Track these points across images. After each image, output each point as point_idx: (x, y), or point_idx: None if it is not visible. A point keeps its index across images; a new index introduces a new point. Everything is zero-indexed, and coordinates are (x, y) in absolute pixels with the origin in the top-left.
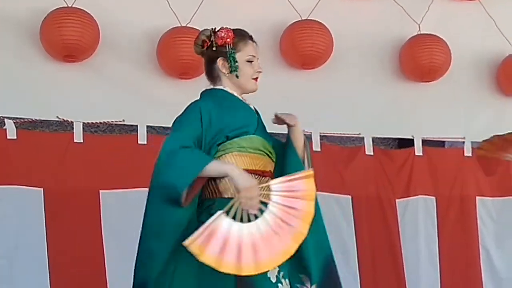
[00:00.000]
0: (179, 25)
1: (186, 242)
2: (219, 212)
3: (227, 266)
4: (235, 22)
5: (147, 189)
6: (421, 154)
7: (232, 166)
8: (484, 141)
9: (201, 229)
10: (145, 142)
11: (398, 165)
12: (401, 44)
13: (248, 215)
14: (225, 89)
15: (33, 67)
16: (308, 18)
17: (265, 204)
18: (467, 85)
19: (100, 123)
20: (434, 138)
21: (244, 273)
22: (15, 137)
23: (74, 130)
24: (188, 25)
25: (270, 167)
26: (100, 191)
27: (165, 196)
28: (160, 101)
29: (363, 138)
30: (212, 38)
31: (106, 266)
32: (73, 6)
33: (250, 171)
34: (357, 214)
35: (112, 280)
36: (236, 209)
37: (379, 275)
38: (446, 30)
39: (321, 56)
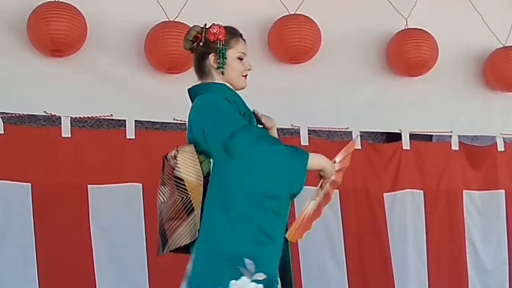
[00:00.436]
0: (167, 19)
1: (287, 236)
2: (309, 200)
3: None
4: (222, 16)
5: (135, 183)
6: (408, 148)
7: (322, 159)
8: None
9: (298, 220)
10: (133, 137)
11: (385, 159)
12: (389, 39)
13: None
14: (227, 85)
15: (20, 61)
16: (296, 13)
17: None
18: (454, 80)
19: (88, 117)
20: (421, 132)
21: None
22: (3, 132)
23: (62, 125)
24: (176, 20)
25: None
26: (88, 186)
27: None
28: (148, 96)
29: (351, 132)
30: (204, 34)
31: (94, 260)
32: (61, 0)
33: None
34: (345, 207)
35: (100, 273)
36: (322, 192)
37: (367, 268)
38: (434, 25)
39: (309, 50)
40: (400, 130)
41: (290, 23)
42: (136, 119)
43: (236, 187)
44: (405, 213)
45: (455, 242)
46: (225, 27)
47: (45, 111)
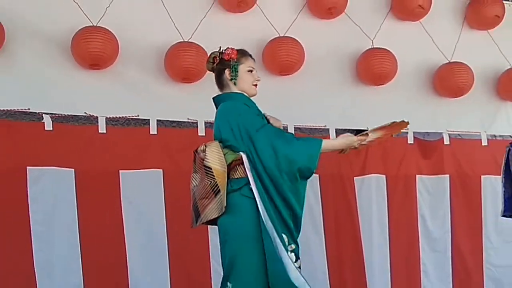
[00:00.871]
0: (182, 40)
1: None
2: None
3: None
4: (227, 38)
5: (157, 169)
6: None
7: (339, 141)
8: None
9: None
10: (156, 133)
11: (356, 150)
12: (358, 56)
13: None
14: (244, 94)
15: (65, 73)
16: (285, 35)
17: None
18: (410, 89)
19: (119, 117)
20: None
21: None
22: (51, 129)
23: (99, 123)
24: (189, 40)
25: None
26: (120, 171)
27: (306, 175)
28: (167, 100)
29: (328, 129)
30: (220, 55)
31: (124, 229)
32: (98, 25)
33: None
34: (323, 189)
35: (129, 240)
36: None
37: (341, 238)
38: (394, 45)
39: (295, 65)
40: (367, 127)
41: (280, 43)
42: (158, 118)
43: (263, 172)
44: (371, 193)
45: (409, 217)
46: (237, 49)
47: (85, 112)
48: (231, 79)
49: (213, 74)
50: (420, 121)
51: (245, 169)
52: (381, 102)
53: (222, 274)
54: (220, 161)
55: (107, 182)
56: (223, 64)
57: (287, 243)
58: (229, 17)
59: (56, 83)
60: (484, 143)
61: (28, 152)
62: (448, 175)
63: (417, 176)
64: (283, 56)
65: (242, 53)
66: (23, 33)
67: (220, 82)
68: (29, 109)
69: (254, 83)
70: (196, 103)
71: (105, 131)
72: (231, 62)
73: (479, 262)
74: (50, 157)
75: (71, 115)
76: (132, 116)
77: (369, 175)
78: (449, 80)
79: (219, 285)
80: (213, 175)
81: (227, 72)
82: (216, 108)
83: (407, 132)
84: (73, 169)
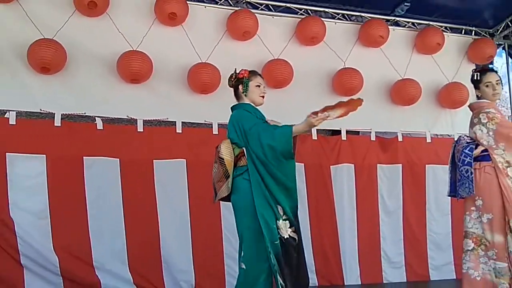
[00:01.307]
0: (201, 61)
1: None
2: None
3: None
4: (234, 59)
5: (181, 159)
6: (345, 138)
7: (301, 125)
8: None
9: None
10: (180, 131)
11: (331, 144)
12: (334, 73)
13: None
14: (250, 104)
15: (112, 86)
16: (278, 58)
17: None
18: (373, 98)
19: (153, 120)
20: (353, 129)
21: None
22: (102, 128)
23: (138, 124)
24: (206, 61)
25: None
26: (154, 160)
27: (287, 156)
28: (189, 107)
29: (311, 130)
30: (236, 75)
31: (157, 207)
32: (137, 49)
33: None
34: (307, 175)
35: (161, 216)
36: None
37: (320, 213)
38: (360, 65)
39: (286, 80)
40: (340, 128)
41: (275, 64)
42: (182, 120)
43: (255, 159)
44: (343, 178)
45: (371, 195)
46: (249, 70)
47: (127, 116)
48: (243, 92)
49: (228, 89)
50: (380, 123)
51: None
52: None
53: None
54: (230, 154)
55: (144, 168)
56: (238, 81)
57: (281, 213)
58: (236, 44)
59: (105, 94)
60: (428, 140)
61: (84, 145)
62: (401, 164)
63: (377, 165)
64: (277, 74)
65: (253, 73)
66: (80, 55)
67: (236, 95)
68: (85, 113)
69: (261, 95)
70: (211, 109)
71: (142, 130)
72: (244, 79)
73: (423, 230)
74: (101, 149)
75: (116, 117)
76: (163, 119)
77: (341, 164)
78: (402, 92)
79: (229, 248)
80: (225, 164)
81: (240, 87)
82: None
83: (370, 132)
84: (118, 159)
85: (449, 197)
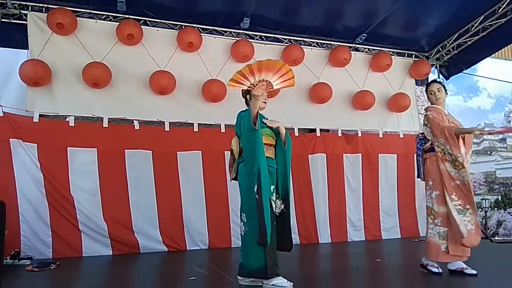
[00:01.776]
0: (211, 78)
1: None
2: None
3: None
4: None
5: (198, 151)
6: (319, 135)
7: (254, 102)
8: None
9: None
10: (197, 130)
11: (309, 139)
12: (310, 86)
13: None
14: None
15: (145, 97)
16: None
17: None
18: (340, 105)
19: (176, 122)
20: (325, 128)
21: None
22: (138, 128)
23: (165, 125)
24: (216, 78)
25: (273, 141)
26: (177, 152)
27: (250, 129)
28: (203, 112)
29: (293, 128)
30: (246, 89)
31: (180, 187)
32: (164, 69)
33: (264, 144)
34: (293, 163)
35: (184, 198)
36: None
37: (301, 192)
38: (330, 80)
39: (275, 92)
40: (315, 127)
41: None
42: (198, 122)
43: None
44: (317, 164)
45: (339, 177)
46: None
47: (157, 119)
48: (249, 100)
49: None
50: (345, 123)
51: None
52: (323, 112)
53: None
54: (236, 145)
55: (170, 158)
56: (246, 92)
57: (272, 191)
58: (238, 65)
59: (140, 102)
60: (380, 136)
61: (125, 141)
62: (360, 154)
63: (343, 154)
64: (269, 88)
65: (257, 86)
66: (122, 74)
67: (246, 102)
68: (126, 117)
69: (263, 101)
70: (219, 113)
71: (168, 129)
72: (250, 91)
73: (376, 202)
74: (138, 144)
75: (149, 120)
76: (184, 121)
77: (317, 154)
78: (361, 100)
79: (234, 217)
80: (233, 153)
81: (248, 96)
82: None
83: (337, 130)
84: (151, 151)
85: (396, 177)
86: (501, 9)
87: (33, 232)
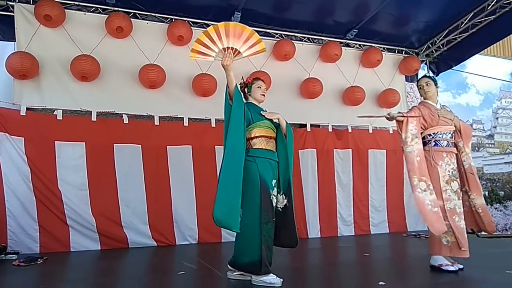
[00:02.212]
0: (201, 72)
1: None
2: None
3: None
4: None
5: (188, 145)
6: (309, 130)
7: (227, 78)
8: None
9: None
10: (187, 125)
11: (300, 134)
12: (301, 82)
13: None
14: (253, 102)
15: (135, 91)
16: (260, 70)
17: None
18: (330, 100)
19: (166, 116)
20: (315, 123)
21: None
22: (127, 122)
23: (154, 119)
24: (206, 72)
25: (273, 134)
26: (167, 146)
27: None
28: (194, 106)
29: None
30: (243, 81)
31: (170, 181)
32: (154, 63)
33: (264, 136)
34: None
35: (174, 191)
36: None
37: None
38: (321, 76)
39: (268, 87)
40: (306, 122)
41: (257, 74)
42: (188, 117)
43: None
44: (308, 159)
45: (329, 172)
46: (253, 77)
47: (147, 113)
48: (247, 92)
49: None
50: (335, 119)
51: None
52: (314, 108)
53: None
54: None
55: (160, 152)
56: (244, 85)
57: (274, 185)
58: None
59: (130, 96)
60: (370, 131)
61: (114, 135)
62: (351, 149)
63: (334, 149)
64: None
65: (255, 79)
66: (111, 67)
67: (245, 95)
68: (114, 111)
69: (262, 94)
70: (210, 108)
71: (158, 124)
72: (248, 84)
73: (366, 197)
74: (127, 138)
75: (139, 114)
76: (174, 115)
77: (307, 149)
78: (351, 96)
79: None
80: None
81: (246, 89)
82: None
83: (328, 125)
84: (140, 145)
85: (385, 172)
86: (490, 6)
87: (20, 226)
